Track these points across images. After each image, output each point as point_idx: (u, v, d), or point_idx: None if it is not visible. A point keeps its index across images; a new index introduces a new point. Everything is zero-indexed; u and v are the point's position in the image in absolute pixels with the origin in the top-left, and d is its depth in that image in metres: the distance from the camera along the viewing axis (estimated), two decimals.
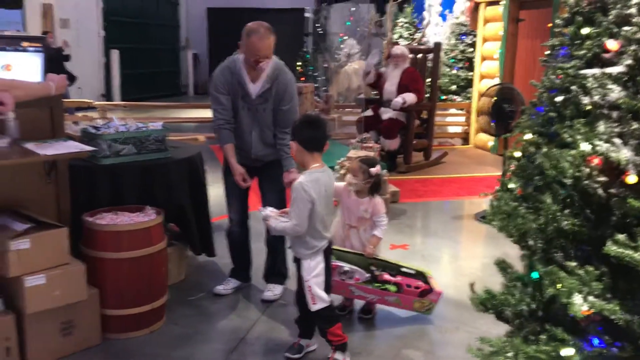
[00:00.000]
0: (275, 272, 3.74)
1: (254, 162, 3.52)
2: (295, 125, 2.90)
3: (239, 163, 3.46)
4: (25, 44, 3.07)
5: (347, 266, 3.33)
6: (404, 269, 3.49)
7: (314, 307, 2.83)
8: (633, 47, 1.81)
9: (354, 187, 3.36)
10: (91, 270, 2.97)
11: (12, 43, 3.09)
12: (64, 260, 2.87)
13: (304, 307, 2.91)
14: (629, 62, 1.82)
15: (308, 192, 2.72)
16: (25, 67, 3.09)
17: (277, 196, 3.51)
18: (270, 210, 2.90)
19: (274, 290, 3.68)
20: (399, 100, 7.01)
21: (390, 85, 7.25)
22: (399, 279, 3.42)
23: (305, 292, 2.85)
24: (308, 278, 2.83)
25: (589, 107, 1.94)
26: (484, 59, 9.13)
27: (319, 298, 2.82)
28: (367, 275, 3.36)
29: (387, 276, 3.40)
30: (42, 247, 2.78)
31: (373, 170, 3.30)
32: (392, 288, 3.37)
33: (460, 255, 4.75)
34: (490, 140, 8.58)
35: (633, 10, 1.86)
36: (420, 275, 3.49)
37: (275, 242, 3.64)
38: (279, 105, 3.39)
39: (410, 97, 7.02)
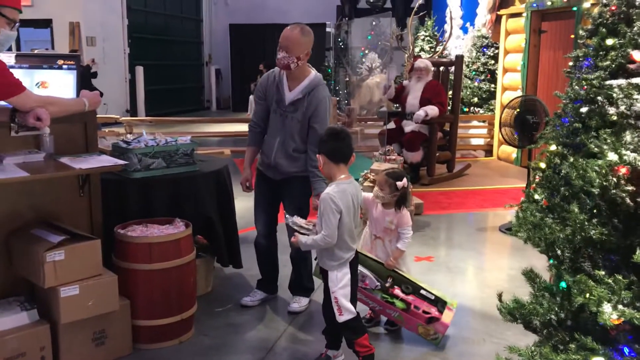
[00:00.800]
0: (301, 286, 3.78)
1: (275, 172, 3.57)
2: (321, 137, 2.95)
3: (262, 172, 3.64)
4: (60, 61, 3.18)
5: (365, 270, 3.32)
6: (423, 291, 3.41)
7: (341, 319, 2.85)
8: None
9: (381, 199, 3.39)
10: (123, 281, 3.04)
11: (48, 61, 3.20)
12: (97, 271, 2.94)
13: (331, 319, 2.94)
14: None
15: (336, 202, 2.76)
16: (60, 84, 3.20)
17: (296, 214, 3.56)
18: (296, 218, 2.94)
19: (300, 302, 3.71)
20: (421, 113, 7.04)
21: (413, 98, 7.28)
22: (410, 298, 3.37)
23: (332, 303, 2.88)
24: (335, 289, 2.86)
25: (615, 118, 1.96)
26: (506, 71, 9.12)
27: (346, 309, 2.85)
28: (377, 283, 3.35)
29: (398, 291, 3.37)
30: (76, 258, 2.85)
31: (399, 183, 3.32)
32: (400, 304, 3.32)
33: (485, 267, 4.74)
34: (513, 152, 8.54)
35: None
36: (439, 303, 3.40)
37: (299, 258, 3.66)
38: (309, 121, 3.44)
39: (432, 110, 7.04)
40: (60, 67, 3.19)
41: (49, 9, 12.54)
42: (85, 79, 10.14)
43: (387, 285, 3.37)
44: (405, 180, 3.36)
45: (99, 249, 2.95)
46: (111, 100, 12.77)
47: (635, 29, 2.06)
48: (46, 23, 12.83)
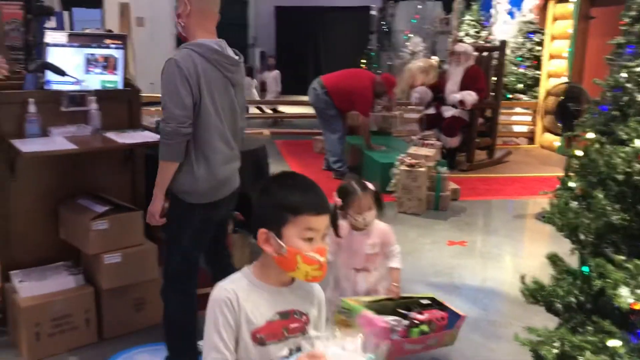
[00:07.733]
0: None
1: None
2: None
3: None
4: (108, 40, 3.33)
5: (389, 318, 2.65)
6: (422, 301, 2.87)
7: None
8: None
9: (362, 223, 2.82)
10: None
11: (96, 40, 3.35)
12: (139, 241, 3.10)
13: None
14: None
15: None
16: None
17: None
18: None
19: None
20: (457, 96, 7.00)
21: (452, 84, 7.23)
22: (426, 315, 2.74)
23: None
24: None
25: None
26: (552, 57, 8.94)
27: None
28: (405, 322, 2.67)
29: (418, 315, 2.73)
30: (119, 228, 3.02)
31: (369, 185, 2.84)
32: (425, 328, 2.71)
33: (520, 254, 4.73)
34: (556, 140, 8.40)
35: None
36: (433, 301, 2.90)
37: None
38: None
39: (470, 97, 6.97)
40: (108, 47, 3.33)
41: None
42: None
43: (411, 316, 2.72)
44: (368, 183, 2.85)
45: (141, 220, 3.09)
46: (158, 80, 13.05)
47: None
48: (97, 3, 13.18)
